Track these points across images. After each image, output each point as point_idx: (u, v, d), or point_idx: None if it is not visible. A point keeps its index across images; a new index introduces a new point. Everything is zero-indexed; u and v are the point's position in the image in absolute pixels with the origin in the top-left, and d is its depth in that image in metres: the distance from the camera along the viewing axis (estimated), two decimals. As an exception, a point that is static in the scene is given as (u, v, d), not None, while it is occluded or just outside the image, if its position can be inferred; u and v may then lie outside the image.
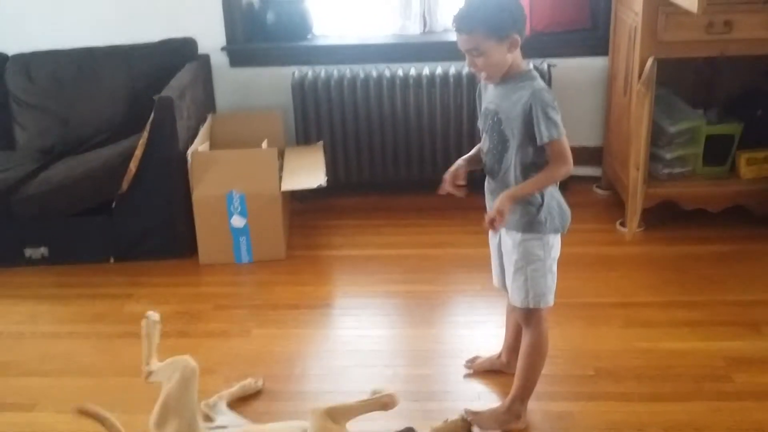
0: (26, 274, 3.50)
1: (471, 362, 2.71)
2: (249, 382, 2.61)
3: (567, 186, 4.10)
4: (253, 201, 3.46)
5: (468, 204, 4.03)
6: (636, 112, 3.40)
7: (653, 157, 3.59)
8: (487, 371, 2.67)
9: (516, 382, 2.39)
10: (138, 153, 3.43)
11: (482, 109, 2.27)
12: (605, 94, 4.08)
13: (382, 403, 2.20)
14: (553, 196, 2.24)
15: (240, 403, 2.55)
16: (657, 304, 3.08)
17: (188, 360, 2.29)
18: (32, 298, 3.33)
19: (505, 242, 2.31)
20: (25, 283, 3.44)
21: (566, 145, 2.14)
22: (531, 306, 2.28)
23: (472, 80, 3.95)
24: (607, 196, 4.04)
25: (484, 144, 2.29)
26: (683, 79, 3.80)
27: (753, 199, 3.60)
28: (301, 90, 3.99)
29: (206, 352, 2.86)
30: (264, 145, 3.64)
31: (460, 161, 2.35)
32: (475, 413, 2.40)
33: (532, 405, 2.48)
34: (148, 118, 3.42)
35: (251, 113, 4.08)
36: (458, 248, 3.63)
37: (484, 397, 2.56)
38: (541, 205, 2.20)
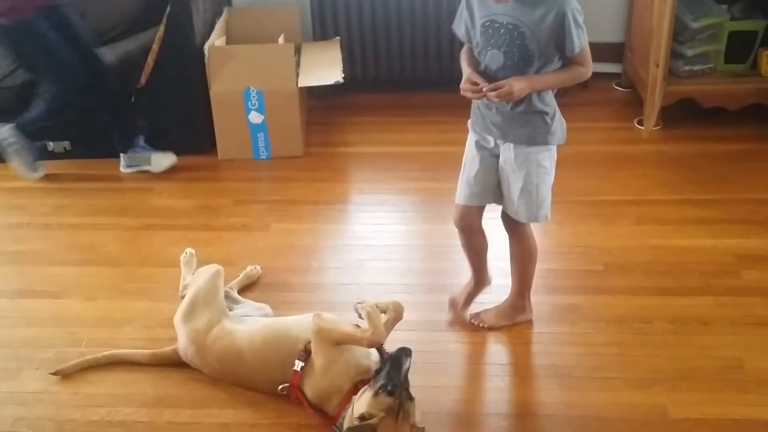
0: (50, 167, 3.56)
1: (455, 308, 2.53)
2: (250, 270, 2.72)
3: (586, 83, 4.07)
4: (270, 97, 3.47)
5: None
6: (658, 7, 3.33)
7: (674, 54, 3.54)
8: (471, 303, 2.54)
9: (514, 282, 2.44)
10: (155, 47, 3.43)
11: (482, 22, 2.06)
12: (629, -11, 3.98)
13: (363, 344, 2.07)
14: (555, 106, 2.16)
15: (256, 292, 2.65)
16: (670, 201, 3.11)
17: (215, 265, 2.44)
18: (57, 191, 3.41)
19: (508, 158, 2.18)
20: (49, 176, 3.51)
21: (588, 50, 2.07)
22: (539, 222, 2.27)
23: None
24: (627, 93, 4.01)
25: (491, 61, 2.08)
26: (709, -27, 3.69)
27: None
28: (318, -17, 3.92)
29: (227, 244, 2.95)
30: (281, 40, 3.61)
31: (471, 70, 2.14)
32: (479, 314, 2.47)
33: (542, 298, 2.57)
34: (164, 11, 3.39)
35: (267, 7, 4.02)
36: (474, 145, 3.64)
37: (495, 291, 2.61)
38: (554, 115, 2.14)
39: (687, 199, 3.12)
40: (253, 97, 3.46)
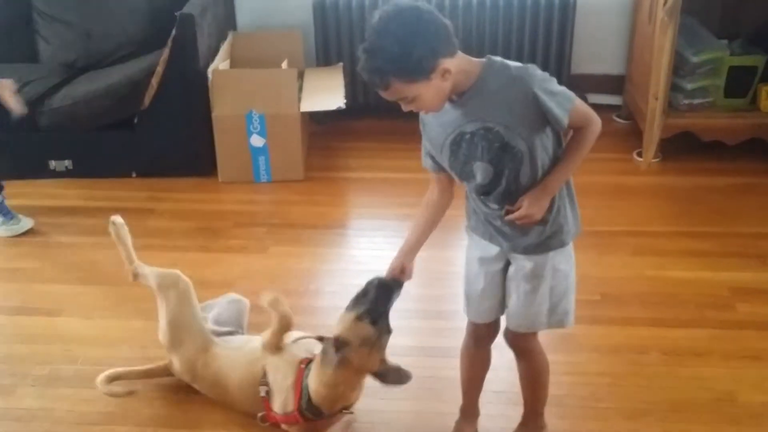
0: (51, 186, 3.60)
1: None
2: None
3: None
4: (272, 121, 3.50)
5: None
6: (659, 41, 3.37)
7: (674, 87, 3.58)
8: None
9: (529, 403, 2.15)
10: (159, 69, 3.47)
11: (451, 141, 1.78)
12: (630, 22, 4.03)
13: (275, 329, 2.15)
14: (566, 205, 1.84)
15: (252, 314, 2.62)
16: (668, 233, 3.13)
17: (179, 275, 2.34)
18: (57, 209, 3.43)
19: (519, 267, 1.89)
20: (50, 194, 3.54)
21: (582, 103, 1.75)
22: (556, 326, 1.93)
23: (496, 4, 3.92)
24: (627, 125, 4.04)
25: (481, 176, 1.78)
26: (709, 9, 3.75)
27: (773, 131, 3.59)
28: (322, 9, 3.97)
29: (226, 266, 2.96)
30: (284, 65, 3.66)
31: (401, 256, 2.03)
32: None
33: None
34: (170, 34, 3.44)
35: (271, 32, 4.08)
36: (474, 173, 3.67)
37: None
38: (557, 213, 1.81)
39: (684, 231, 3.14)
40: (255, 120, 3.49)
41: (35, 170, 3.66)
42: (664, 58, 3.37)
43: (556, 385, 2.31)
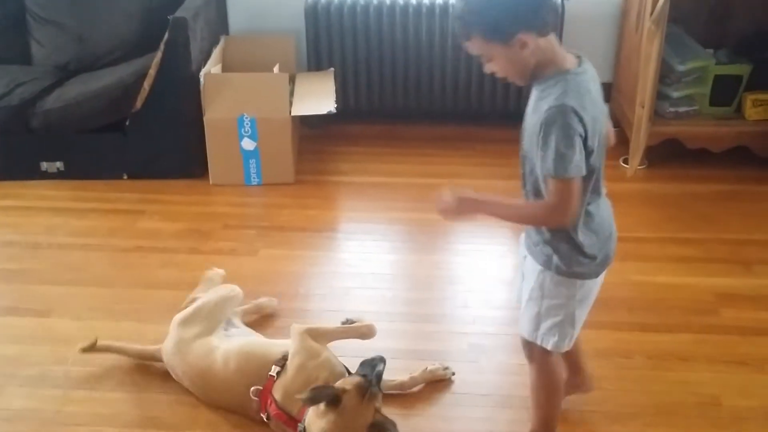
0: (42, 187, 3.60)
1: None
2: (263, 301, 2.72)
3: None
4: (263, 125, 3.52)
5: (476, 136, 4.13)
6: (646, 50, 3.41)
7: (660, 96, 3.62)
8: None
9: (533, 418, 2.09)
10: (152, 72, 3.48)
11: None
12: (618, 30, 4.07)
13: (360, 332, 2.32)
14: (563, 238, 1.79)
15: (249, 317, 2.67)
16: (653, 239, 3.16)
17: (236, 287, 2.52)
18: (48, 211, 3.43)
19: (527, 263, 1.93)
20: (41, 195, 3.55)
21: (572, 188, 1.65)
22: (538, 342, 1.91)
23: (485, 11, 3.94)
24: (614, 132, 4.07)
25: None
26: (696, 18, 3.79)
27: (757, 140, 3.63)
28: (314, 15, 3.99)
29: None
30: (276, 69, 3.68)
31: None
32: None
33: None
34: (162, 37, 3.45)
35: (263, 37, 4.10)
36: (463, 178, 3.70)
37: (479, 322, 2.67)
38: (551, 238, 1.80)
39: (669, 237, 3.17)
40: (247, 124, 3.51)
41: (27, 172, 3.66)
42: (650, 67, 3.41)
43: (542, 388, 2.35)
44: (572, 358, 2.15)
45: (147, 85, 3.49)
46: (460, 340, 2.55)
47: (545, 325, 1.89)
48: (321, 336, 2.22)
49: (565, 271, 1.81)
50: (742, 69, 3.65)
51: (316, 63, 4.10)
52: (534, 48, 1.65)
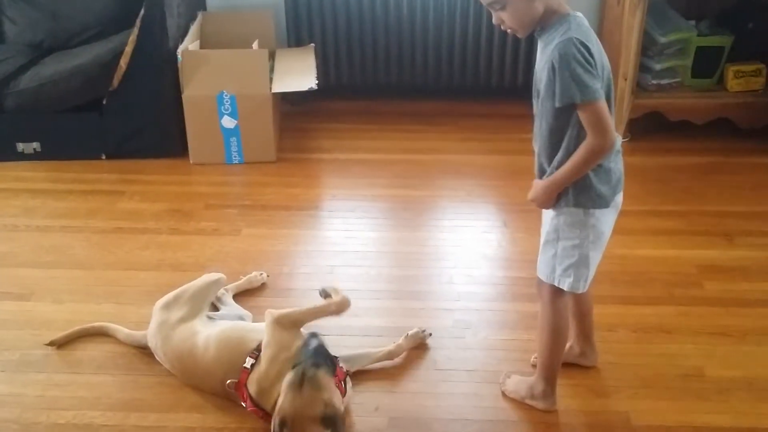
0: (19, 169, 3.55)
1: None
2: (254, 276, 2.72)
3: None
4: (243, 102, 3.47)
5: (458, 111, 4.11)
6: (627, 22, 3.40)
7: (642, 68, 3.61)
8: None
9: (538, 363, 2.19)
10: (128, 49, 3.42)
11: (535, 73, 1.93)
12: (599, 3, 4.05)
13: (331, 310, 2.20)
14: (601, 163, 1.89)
15: (238, 295, 2.65)
16: (637, 212, 3.16)
17: (219, 274, 2.52)
18: (26, 192, 3.38)
19: (546, 217, 2.06)
20: (18, 177, 3.49)
21: (599, 110, 1.74)
22: (555, 283, 2.01)
23: (466, -14, 3.91)
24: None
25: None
26: (678, -11, 3.78)
27: (738, 111, 3.64)
28: (293, -11, 3.94)
29: (198, 249, 2.95)
30: (255, 45, 3.63)
31: None
32: (510, 374, 2.28)
33: (508, 305, 2.62)
34: (138, 14, 3.39)
35: (242, 12, 4.04)
36: (446, 154, 3.69)
37: (464, 298, 2.66)
38: (586, 175, 1.88)
39: (652, 210, 3.18)
40: (227, 101, 3.47)
41: (2, 153, 3.60)
42: (632, 39, 3.40)
43: (528, 363, 2.36)
44: (584, 327, 2.26)
45: (123, 63, 3.44)
46: (446, 316, 2.55)
47: (561, 267, 1.99)
48: (292, 323, 2.16)
49: (578, 202, 1.90)
50: (724, 40, 3.65)
51: (296, 38, 4.05)
52: None
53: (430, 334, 2.45)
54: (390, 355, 2.35)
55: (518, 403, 2.21)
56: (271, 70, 3.64)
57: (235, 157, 3.59)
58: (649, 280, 2.73)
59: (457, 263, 2.87)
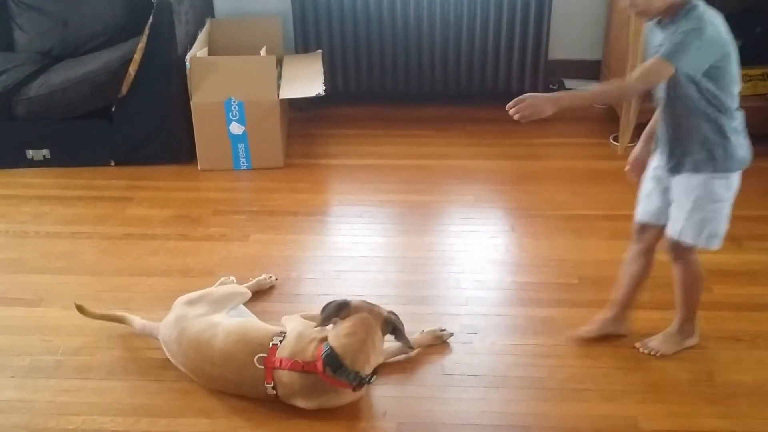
0: (29, 175, 3.57)
1: (581, 332, 2.48)
2: (263, 278, 2.74)
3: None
4: (251, 108, 3.49)
5: (465, 116, 4.11)
6: (635, 26, 3.40)
7: (650, 73, 3.60)
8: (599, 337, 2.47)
9: (681, 309, 2.38)
10: (137, 57, 3.44)
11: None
12: (606, 7, 4.05)
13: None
14: (737, 130, 2.11)
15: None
16: (644, 217, 3.16)
17: (245, 288, 2.61)
18: (35, 199, 3.40)
19: (681, 182, 2.17)
20: (28, 183, 3.52)
21: (660, 69, 1.97)
22: (702, 245, 2.20)
23: (473, -10, 3.92)
24: (603, 110, 4.06)
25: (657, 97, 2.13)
26: (685, -6, 3.77)
27: (747, 115, 3.60)
28: (300, -4, 3.96)
29: (206, 254, 2.96)
30: (263, 52, 3.64)
31: (639, 148, 2.34)
32: (647, 342, 2.42)
33: (517, 310, 2.61)
34: (147, 21, 3.41)
35: (250, 19, 4.06)
36: (453, 160, 3.69)
37: (471, 303, 2.66)
38: (728, 141, 2.09)
39: (661, 214, 3.17)
40: (234, 108, 3.48)
41: (13, 160, 3.62)
42: (640, 43, 3.39)
43: (536, 368, 2.36)
44: (634, 295, 2.42)
45: (132, 70, 3.46)
46: (453, 321, 2.54)
47: (708, 229, 2.17)
48: (311, 318, 2.31)
49: (727, 167, 2.11)
50: (731, 44, 3.63)
51: (303, 45, 4.07)
52: None
53: (452, 334, 2.47)
54: (405, 350, 2.36)
55: (526, 408, 2.20)
56: (279, 76, 3.65)
57: (243, 163, 3.60)
58: (656, 285, 2.70)
59: (465, 268, 2.87)
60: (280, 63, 3.79)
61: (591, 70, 4.15)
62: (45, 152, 3.63)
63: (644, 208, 2.32)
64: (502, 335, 2.50)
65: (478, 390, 2.29)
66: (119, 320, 2.50)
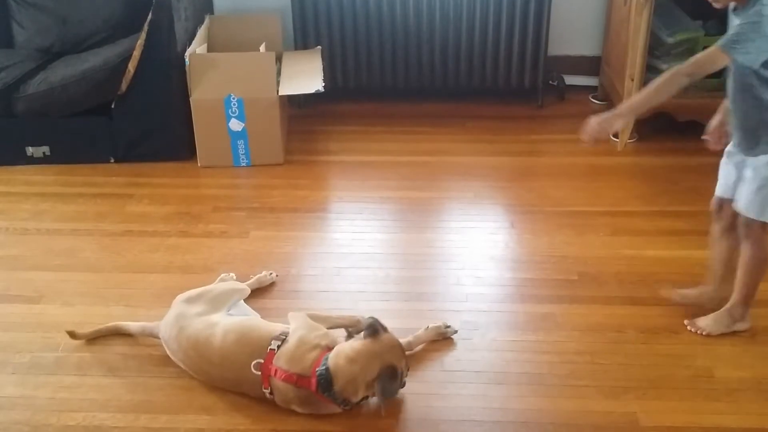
0: (29, 173, 3.57)
1: (677, 294, 2.60)
2: (264, 275, 2.74)
3: (563, 95, 4.14)
4: (251, 105, 3.49)
5: (465, 113, 4.11)
6: (635, 22, 3.40)
7: (650, 68, 3.59)
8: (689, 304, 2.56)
9: (739, 289, 2.40)
10: (136, 54, 3.44)
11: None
12: (606, 3, 4.05)
13: (359, 327, 2.30)
14: None
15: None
16: (644, 213, 3.16)
17: (245, 285, 2.60)
18: (35, 196, 3.40)
19: (753, 161, 2.24)
20: (28, 181, 3.51)
21: (715, 57, 2.11)
22: (765, 219, 2.25)
23: (473, -14, 3.92)
24: (603, 106, 4.05)
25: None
26: (685, -11, 3.77)
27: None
28: (300, -8, 3.95)
29: (206, 251, 2.96)
30: (262, 48, 3.64)
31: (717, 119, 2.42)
32: (696, 321, 2.47)
33: (516, 306, 2.62)
34: (146, 18, 3.41)
35: (249, 16, 4.05)
36: (453, 156, 3.69)
37: (471, 299, 2.67)
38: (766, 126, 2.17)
39: (660, 210, 3.18)
40: (234, 104, 3.48)
41: (12, 157, 3.62)
42: (639, 39, 3.39)
43: (536, 364, 2.36)
44: (725, 272, 2.45)
45: (132, 66, 3.45)
46: (453, 317, 2.55)
47: None
48: (320, 320, 2.30)
49: None
50: (731, 40, 3.63)
51: (302, 41, 4.06)
52: None
53: (456, 331, 2.47)
54: (409, 347, 2.36)
55: (526, 404, 2.21)
56: (278, 73, 3.65)
57: (242, 159, 3.60)
58: (656, 281, 2.73)
59: (465, 265, 2.87)
60: (279, 59, 3.79)
61: (591, 67, 4.14)
62: (45, 149, 3.62)
63: (722, 183, 2.38)
64: (502, 331, 2.51)
65: (478, 386, 2.29)
66: (114, 331, 2.49)
